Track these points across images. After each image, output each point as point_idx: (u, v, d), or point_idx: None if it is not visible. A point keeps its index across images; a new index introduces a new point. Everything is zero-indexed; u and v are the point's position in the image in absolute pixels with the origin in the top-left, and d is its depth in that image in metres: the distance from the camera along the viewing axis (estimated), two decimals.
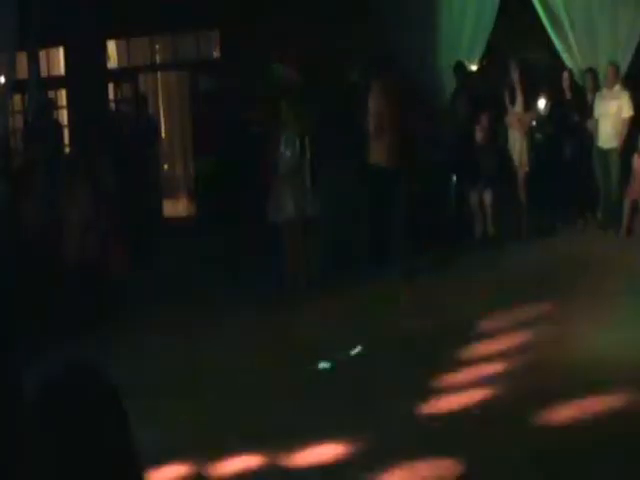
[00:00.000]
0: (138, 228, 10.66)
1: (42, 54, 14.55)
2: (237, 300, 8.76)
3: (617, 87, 10.75)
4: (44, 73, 14.70)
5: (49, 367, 1.95)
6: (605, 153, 10.57)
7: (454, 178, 11.19)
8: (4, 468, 2.06)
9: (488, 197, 10.40)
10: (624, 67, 11.13)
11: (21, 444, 1.98)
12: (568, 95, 11.13)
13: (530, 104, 11.22)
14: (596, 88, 10.91)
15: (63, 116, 15.07)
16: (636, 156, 10.15)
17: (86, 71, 14.82)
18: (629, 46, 11.28)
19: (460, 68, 11.50)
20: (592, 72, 11.05)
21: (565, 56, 11.63)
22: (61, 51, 15.49)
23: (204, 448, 5.45)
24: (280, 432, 5.52)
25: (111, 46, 15.64)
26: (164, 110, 16.20)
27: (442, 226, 10.75)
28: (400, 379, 6.30)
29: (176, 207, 14.60)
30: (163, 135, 15.57)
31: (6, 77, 12.13)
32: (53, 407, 1.89)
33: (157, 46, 15.71)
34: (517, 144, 10.86)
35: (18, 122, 14.91)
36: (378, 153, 9.39)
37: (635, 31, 11.22)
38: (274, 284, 9.02)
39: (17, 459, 2.00)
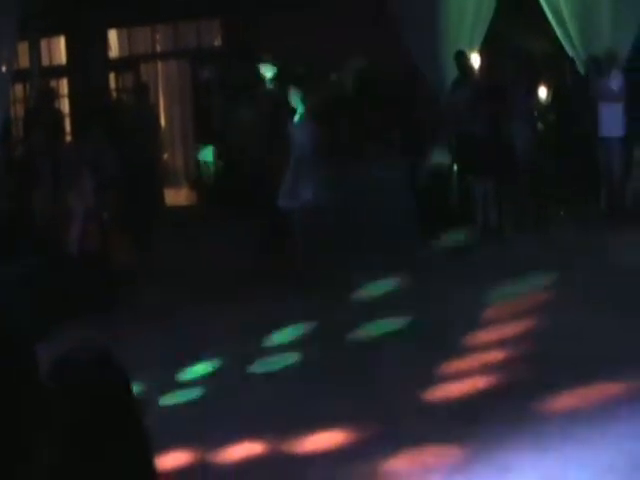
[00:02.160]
0: (140, 216, 10.66)
1: (43, 43, 14.54)
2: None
3: (614, 73, 10.75)
4: (45, 62, 14.69)
5: (57, 354, 1.97)
6: (607, 140, 10.58)
7: (455, 168, 11.18)
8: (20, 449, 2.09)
9: (490, 188, 10.39)
10: (625, 53, 11.12)
11: (35, 427, 2.00)
12: (569, 83, 11.14)
13: (532, 93, 11.22)
14: (598, 76, 10.90)
15: (64, 105, 15.06)
16: None
17: (87, 60, 14.82)
18: (629, 32, 11.26)
19: (461, 57, 11.47)
20: (594, 60, 11.03)
21: (566, 43, 11.61)
22: (62, 40, 15.47)
23: None
24: None
25: (112, 35, 15.62)
26: (165, 99, 16.18)
27: (444, 217, 10.76)
28: None
29: (177, 196, 14.58)
30: (163, 124, 15.55)
31: (7, 66, 12.10)
32: (66, 392, 1.92)
33: (158, 35, 15.70)
34: (520, 133, 10.85)
35: (19, 111, 14.91)
36: None
37: (635, 17, 11.20)
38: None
39: (32, 443, 2.03)
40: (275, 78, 8.44)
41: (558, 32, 11.63)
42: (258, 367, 6.74)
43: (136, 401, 2.00)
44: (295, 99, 8.48)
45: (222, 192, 12.52)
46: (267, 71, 9.12)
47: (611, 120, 10.53)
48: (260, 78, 10.85)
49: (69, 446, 1.89)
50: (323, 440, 5.40)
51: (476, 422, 5.38)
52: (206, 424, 5.77)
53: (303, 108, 8.50)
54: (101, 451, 1.89)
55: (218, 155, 13.30)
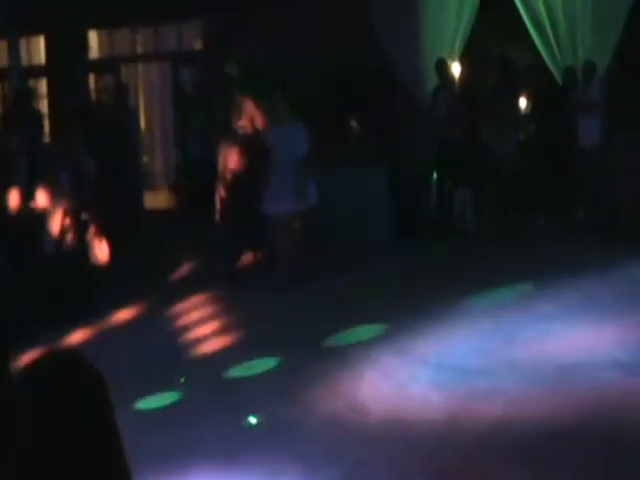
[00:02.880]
0: (118, 218, 10.60)
1: (23, 42, 14.44)
2: None
3: (592, 85, 10.86)
4: (24, 62, 14.58)
5: (29, 356, 1.94)
6: (584, 150, 10.66)
7: (435, 175, 11.21)
8: None
9: (468, 195, 10.42)
10: (604, 66, 11.23)
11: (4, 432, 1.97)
12: (549, 94, 11.22)
13: (513, 101, 11.29)
14: (575, 86, 11.00)
15: (43, 105, 14.96)
16: None
17: (67, 60, 14.74)
18: (608, 45, 11.37)
19: (442, 65, 11.50)
20: (571, 71, 11.13)
21: (545, 54, 11.70)
22: (42, 40, 15.38)
23: None
24: None
25: (92, 36, 15.55)
26: (145, 101, 16.12)
27: (422, 223, 10.80)
28: None
29: (157, 199, 14.51)
30: (143, 126, 15.49)
31: None
32: (36, 395, 1.89)
33: (139, 37, 15.65)
34: (500, 141, 10.90)
35: None
36: None
37: (614, 30, 11.31)
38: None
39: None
40: (245, 79, 8.30)
41: (538, 42, 11.71)
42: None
43: (110, 406, 1.98)
44: (277, 101, 8.41)
45: (196, 196, 12.39)
46: (233, 71, 8.96)
47: (589, 130, 10.61)
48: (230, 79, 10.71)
49: (40, 452, 1.86)
50: None
51: None
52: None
53: (287, 110, 8.42)
54: (73, 457, 1.87)
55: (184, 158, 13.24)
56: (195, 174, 12.94)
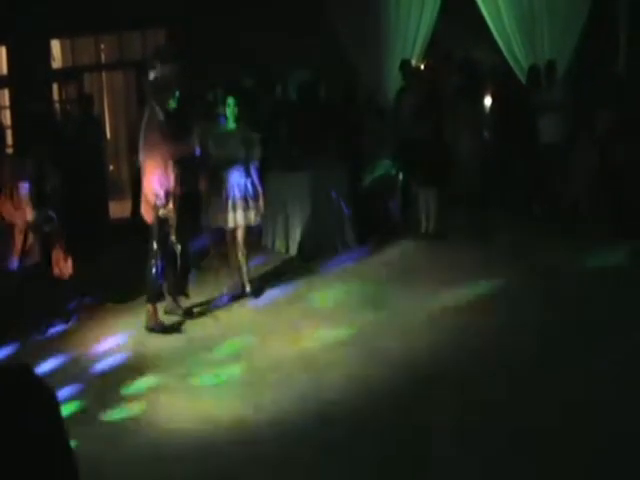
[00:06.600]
0: (84, 229, 10.51)
1: None
2: None
3: (556, 83, 10.98)
4: None
5: None
6: (547, 148, 10.75)
7: (400, 176, 11.23)
8: None
9: (433, 195, 10.41)
10: (564, 65, 11.35)
11: None
12: (512, 93, 11.31)
13: (477, 101, 11.36)
14: (538, 85, 11.11)
15: (6, 117, 14.84)
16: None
17: (30, 71, 14.63)
18: (569, 44, 11.50)
19: (406, 66, 11.55)
20: (535, 69, 11.23)
21: (508, 54, 11.80)
22: (4, 50, 15.26)
23: None
24: None
25: (55, 45, 15.45)
26: (110, 110, 16.03)
27: (388, 223, 10.83)
28: None
29: (123, 208, 14.41)
30: (108, 135, 15.41)
31: None
32: None
33: (102, 45, 15.57)
34: (464, 141, 10.96)
35: None
36: None
37: (574, 29, 11.43)
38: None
39: None
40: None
41: (500, 43, 11.81)
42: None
43: (62, 422, 1.96)
44: (229, 108, 8.36)
45: None
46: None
47: (551, 128, 10.71)
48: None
49: None
50: None
51: None
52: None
53: (237, 118, 8.37)
54: (23, 471, 1.85)
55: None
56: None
